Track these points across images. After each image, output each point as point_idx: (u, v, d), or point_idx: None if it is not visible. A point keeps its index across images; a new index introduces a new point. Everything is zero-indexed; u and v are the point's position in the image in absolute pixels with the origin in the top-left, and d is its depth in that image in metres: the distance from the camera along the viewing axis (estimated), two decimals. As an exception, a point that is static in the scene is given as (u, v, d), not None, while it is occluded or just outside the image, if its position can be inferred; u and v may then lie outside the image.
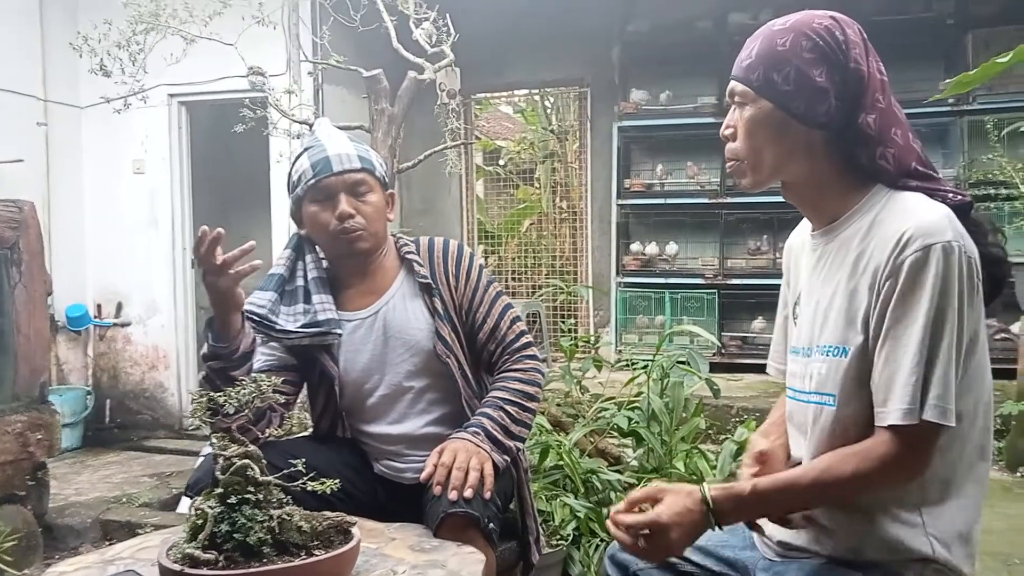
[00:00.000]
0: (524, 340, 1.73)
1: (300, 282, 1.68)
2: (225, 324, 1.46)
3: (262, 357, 1.65)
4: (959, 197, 1.14)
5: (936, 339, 1.05)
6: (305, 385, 1.74)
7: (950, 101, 4.79)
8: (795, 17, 1.17)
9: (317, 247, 1.72)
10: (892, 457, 1.07)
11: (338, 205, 1.61)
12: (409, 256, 1.72)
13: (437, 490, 1.44)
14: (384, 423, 1.69)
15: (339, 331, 1.64)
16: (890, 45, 4.81)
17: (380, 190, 1.68)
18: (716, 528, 1.13)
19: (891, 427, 1.07)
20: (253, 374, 1.52)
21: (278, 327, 1.61)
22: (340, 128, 1.76)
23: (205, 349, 1.50)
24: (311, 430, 1.76)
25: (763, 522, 1.30)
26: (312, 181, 1.62)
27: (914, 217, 1.09)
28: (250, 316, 1.58)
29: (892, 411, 1.07)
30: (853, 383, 1.13)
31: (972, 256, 1.08)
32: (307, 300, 1.65)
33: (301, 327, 1.62)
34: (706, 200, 5.33)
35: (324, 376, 1.68)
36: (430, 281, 1.69)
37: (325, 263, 1.72)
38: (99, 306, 5.16)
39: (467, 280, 1.71)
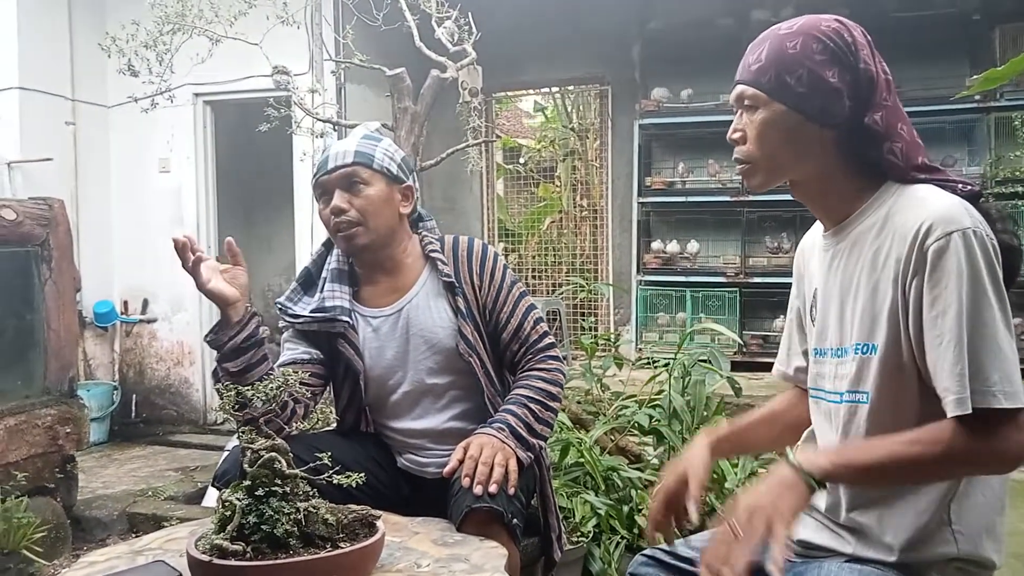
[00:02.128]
0: (547, 340, 1.74)
1: (324, 274, 1.75)
2: (224, 318, 1.55)
3: (288, 351, 1.71)
4: (968, 187, 1.15)
5: (977, 324, 1.04)
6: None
7: (976, 98, 4.72)
8: (801, 21, 1.18)
9: None
10: (972, 442, 1.04)
11: (333, 200, 1.66)
12: (433, 254, 1.73)
13: (466, 482, 1.44)
14: (407, 419, 1.71)
15: (346, 318, 1.68)
16: (915, 41, 4.81)
17: (382, 182, 1.67)
18: (817, 487, 1.07)
19: (956, 419, 1.05)
20: (280, 368, 1.57)
21: (290, 311, 1.70)
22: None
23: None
24: (335, 424, 1.79)
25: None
26: (314, 180, 1.70)
27: (930, 206, 1.09)
28: (276, 305, 1.75)
29: (946, 404, 1.05)
30: (885, 378, 1.13)
31: (993, 241, 1.08)
32: (323, 291, 1.72)
33: (310, 312, 1.68)
34: (728, 198, 5.29)
35: (349, 370, 1.70)
36: (454, 280, 1.69)
37: (349, 259, 1.76)
38: (125, 303, 5.24)
39: (491, 280, 1.72)
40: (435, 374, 1.69)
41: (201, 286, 1.51)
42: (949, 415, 1.05)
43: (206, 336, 1.58)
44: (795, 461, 1.08)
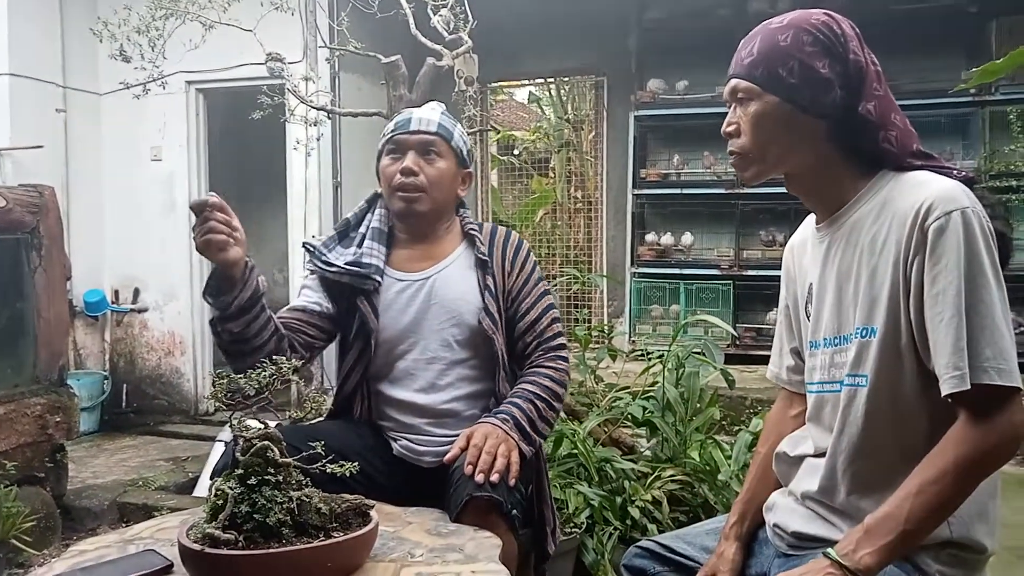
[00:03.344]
0: (560, 340, 1.75)
1: (363, 230, 1.77)
2: (226, 276, 1.48)
3: (304, 299, 1.72)
4: (963, 173, 1.16)
5: (974, 301, 1.05)
6: (337, 345, 1.79)
7: (972, 91, 4.73)
8: (791, 15, 1.21)
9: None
10: (971, 428, 1.05)
11: (405, 160, 1.69)
12: (472, 231, 1.78)
13: (468, 470, 1.44)
14: (410, 390, 1.70)
15: (378, 278, 1.70)
16: (911, 34, 4.80)
17: (452, 160, 1.74)
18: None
19: (953, 399, 1.06)
20: (288, 312, 1.63)
21: (324, 258, 1.71)
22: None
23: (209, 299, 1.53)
24: (330, 406, 1.78)
25: (775, 511, 1.30)
26: (389, 135, 1.74)
27: (929, 188, 1.11)
28: (306, 247, 1.77)
29: (944, 382, 1.06)
30: (884, 359, 1.13)
31: (989, 223, 1.09)
32: (361, 245, 1.74)
33: (346, 264, 1.70)
34: (722, 190, 5.29)
35: (363, 328, 1.70)
36: (487, 258, 1.73)
37: (390, 222, 1.79)
38: (116, 292, 5.21)
39: (521, 269, 1.76)
40: (448, 347, 1.70)
41: (212, 255, 1.45)
42: (945, 392, 1.06)
43: (206, 295, 1.51)
44: (836, 557, 1.08)
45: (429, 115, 1.74)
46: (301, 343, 1.66)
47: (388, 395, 1.72)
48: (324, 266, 1.71)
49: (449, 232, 1.79)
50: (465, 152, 1.77)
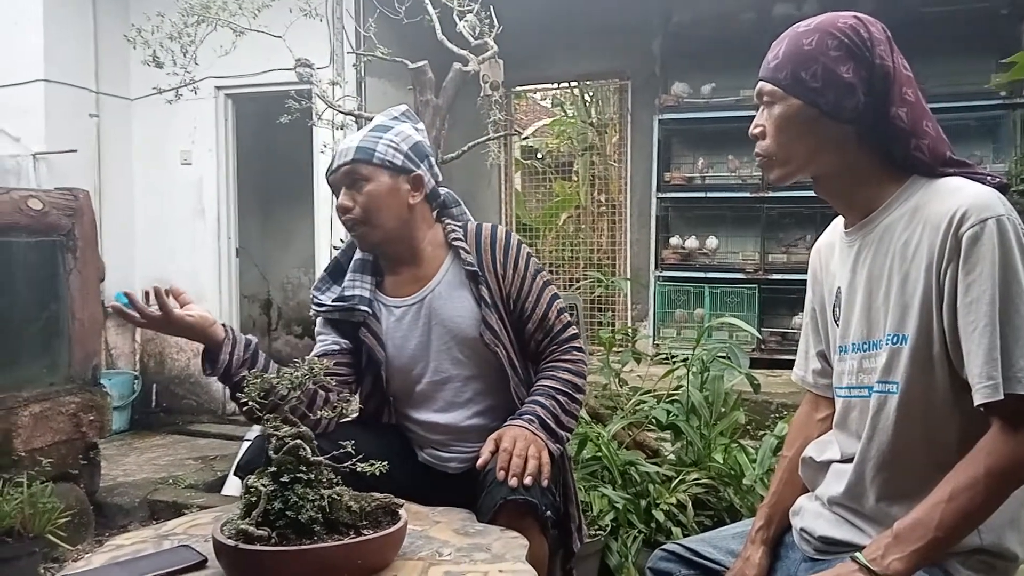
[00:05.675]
0: (571, 331, 1.73)
1: (351, 265, 1.77)
2: (212, 344, 1.56)
3: (320, 343, 1.72)
4: (996, 179, 1.15)
5: (1008, 310, 1.04)
6: None
7: (1002, 94, 4.67)
8: (819, 18, 1.20)
9: None
10: (1003, 438, 1.04)
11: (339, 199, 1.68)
12: (456, 243, 1.71)
13: (500, 475, 1.44)
14: (431, 411, 1.71)
15: (364, 307, 1.68)
16: (941, 37, 4.75)
17: (385, 176, 1.63)
18: None
19: (986, 408, 1.05)
20: (308, 357, 1.58)
21: (316, 299, 1.74)
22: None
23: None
24: (357, 413, 1.80)
25: (802, 515, 1.30)
26: (328, 179, 1.73)
27: (963, 195, 1.10)
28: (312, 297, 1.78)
29: (977, 391, 1.05)
30: (916, 367, 1.12)
31: None
32: (346, 280, 1.74)
33: (333, 301, 1.70)
34: (747, 194, 5.25)
35: (371, 360, 1.70)
36: (476, 269, 1.68)
37: None
38: (146, 293, 5.28)
39: (515, 269, 1.71)
40: (459, 364, 1.69)
41: (179, 324, 1.54)
42: (978, 402, 1.05)
43: (207, 372, 1.57)
44: (865, 562, 1.07)
45: (349, 143, 1.66)
46: (336, 383, 1.66)
47: (411, 416, 1.73)
48: (317, 307, 1.73)
49: (432, 246, 1.72)
50: (400, 159, 1.64)
